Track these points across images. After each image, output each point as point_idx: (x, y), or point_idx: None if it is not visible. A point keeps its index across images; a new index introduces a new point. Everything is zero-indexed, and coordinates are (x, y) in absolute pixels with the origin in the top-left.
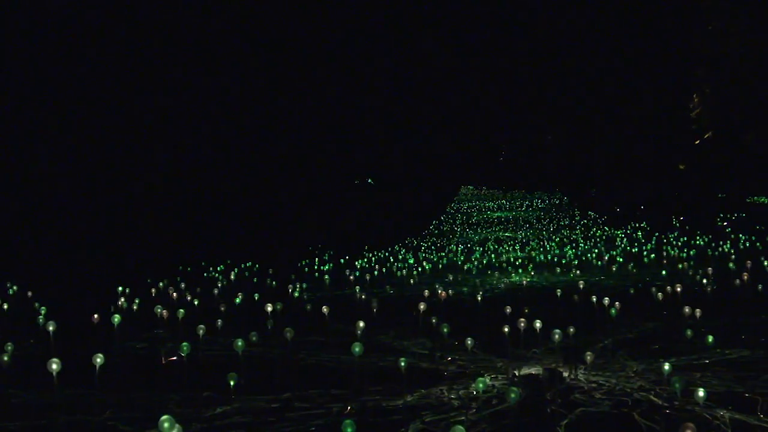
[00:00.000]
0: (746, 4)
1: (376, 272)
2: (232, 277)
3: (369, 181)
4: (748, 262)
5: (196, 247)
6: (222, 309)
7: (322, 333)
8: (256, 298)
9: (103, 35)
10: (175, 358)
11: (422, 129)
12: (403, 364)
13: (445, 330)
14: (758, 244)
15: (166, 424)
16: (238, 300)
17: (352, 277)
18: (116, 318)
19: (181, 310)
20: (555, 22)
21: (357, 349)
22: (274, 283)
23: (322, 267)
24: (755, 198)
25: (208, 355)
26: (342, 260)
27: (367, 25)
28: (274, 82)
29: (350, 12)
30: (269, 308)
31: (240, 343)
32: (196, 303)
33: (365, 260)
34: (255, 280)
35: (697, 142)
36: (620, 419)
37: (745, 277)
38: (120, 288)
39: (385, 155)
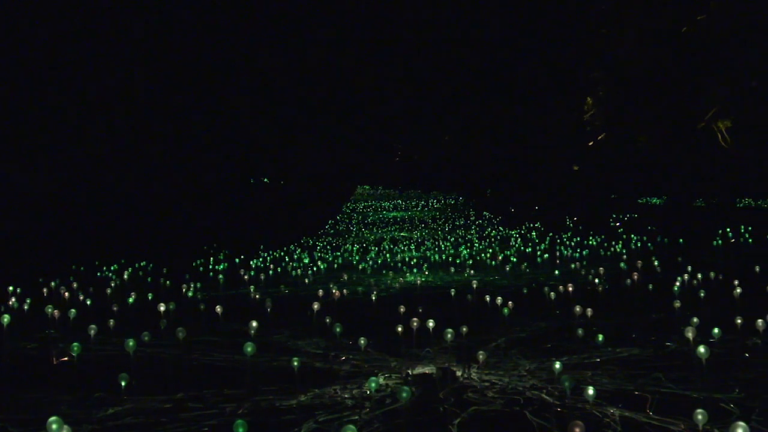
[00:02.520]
0: (638, 11)
1: (271, 272)
2: (126, 276)
3: (264, 180)
4: (639, 262)
5: (89, 246)
6: (114, 309)
7: (216, 333)
8: (150, 297)
9: None
10: (66, 358)
11: (318, 128)
12: (296, 363)
13: (338, 330)
14: (649, 244)
15: (54, 426)
16: (131, 300)
17: (246, 277)
18: (6, 318)
19: (73, 310)
20: (452, 23)
21: (249, 349)
22: (167, 282)
23: (216, 266)
24: (647, 199)
25: (99, 355)
26: (237, 260)
27: (263, 22)
28: (168, 80)
29: (247, 6)
30: (162, 308)
31: (131, 343)
32: (88, 303)
33: (260, 260)
34: (149, 279)
35: (590, 143)
36: (512, 418)
37: (636, 277)
38: (10, 288)
39: (280, 154)
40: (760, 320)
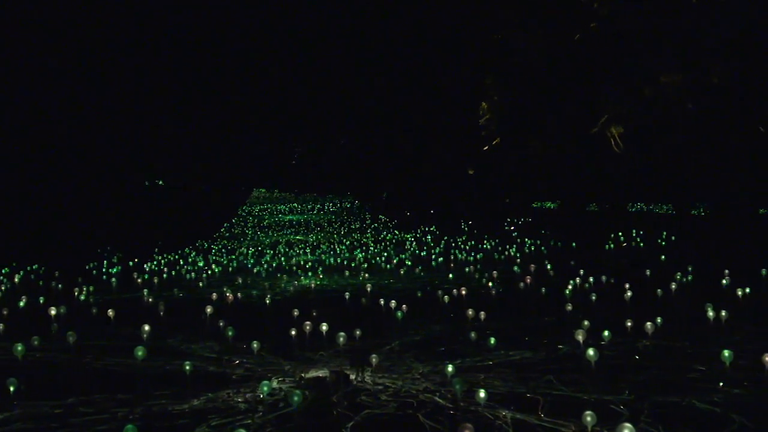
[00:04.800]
0: (531, 16)
1: (165, 275)
2: (17, 280)
3: (159, 182)
4: (532, 265)
5: None
6: (5, 312)
7: (108, 337)
8: (41, 301)
9: None
10: None
11: (214, 131)
12: (188, 367)
13: (230, 333)
14: (543, 248)
15: None
16: (21, 303)
17: (140, 280)
18: None
19: None
20: (348, 29)
21: (140, 353)
22: (59, 286)
23: (110, 269)
24: (541, 203)
25: None
26: (131, 263)
27: (158, 22)
28: (61, 81)
29: (141, 10)
30: (53, 312)
31: (20, 348)
32: None
33: (155, 263)
34: (41, 283)
35: (485, 148)
36: (405, 420)
37: (529, 281)
38: None
39: (175, 156)
40: (649, 323)
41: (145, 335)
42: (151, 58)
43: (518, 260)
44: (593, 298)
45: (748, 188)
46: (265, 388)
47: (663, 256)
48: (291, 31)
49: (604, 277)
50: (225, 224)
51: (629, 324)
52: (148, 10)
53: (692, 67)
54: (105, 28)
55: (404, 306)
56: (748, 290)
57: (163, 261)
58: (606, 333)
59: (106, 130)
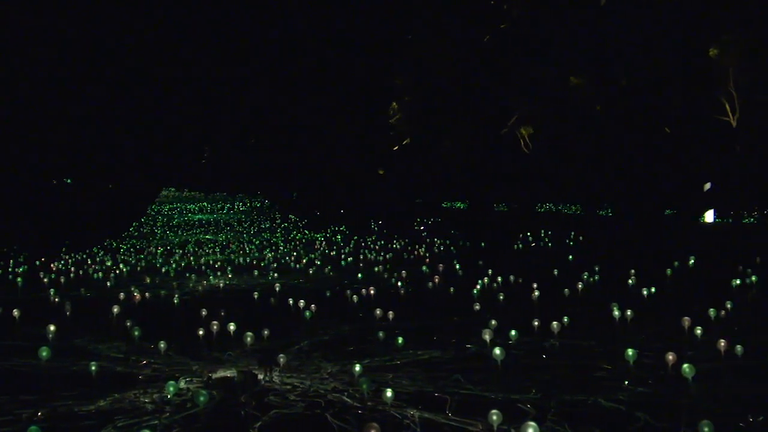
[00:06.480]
0: (442, 16)
1: (72, 275)
2: None
3: (67, 180)
4: (441, 265)
5: None
6: None
7: (13, 337)
8: None
9: None
10: None
11: (124, 128)
12: (93, 368)
13: (136, 333)
14: (452, 248)
15: None
16: None
17: (46, 280)
18: None
19: None
20: (259, 28)
21: (45, 354)
22: None
23: (16, 269)
24: (451, 203)
25: None
26: (37, 262)
27: (63, 17)
28: None
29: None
30: None
31: None
32: None
33: (62, 262)
34: None
35: (395, 147)
36: (313, 420)
37: (437, 280)
38: None
39: (84, 154)
40: (555, 322)
41: (50, 335)
42: (58, 54)
43: (427, 260)
44: (501, 297)
45: (655, 189)
46: (172, 389)
47: (570, 256)
48: (201, 28)
49: (512, 277)
50: (134, 223)
51: (536, 323)
52: (56, 6)
53: (600, 69)
54: (5, 25)
55: (313, 306)
56: (653, 290)
57: (70, 260)
58: (513, 332)
59: (12, 128)
